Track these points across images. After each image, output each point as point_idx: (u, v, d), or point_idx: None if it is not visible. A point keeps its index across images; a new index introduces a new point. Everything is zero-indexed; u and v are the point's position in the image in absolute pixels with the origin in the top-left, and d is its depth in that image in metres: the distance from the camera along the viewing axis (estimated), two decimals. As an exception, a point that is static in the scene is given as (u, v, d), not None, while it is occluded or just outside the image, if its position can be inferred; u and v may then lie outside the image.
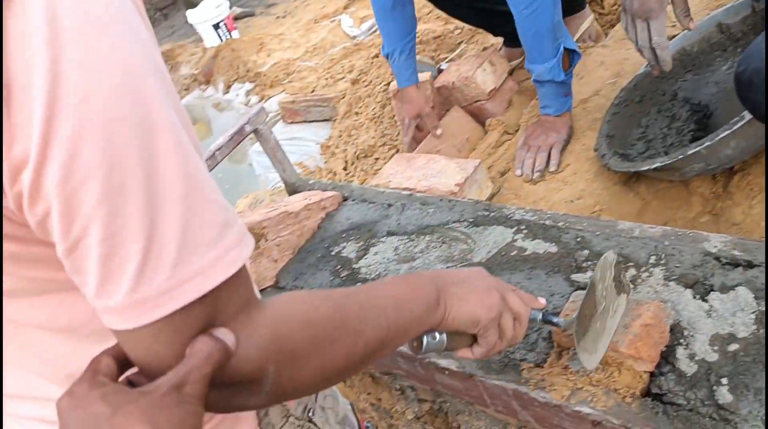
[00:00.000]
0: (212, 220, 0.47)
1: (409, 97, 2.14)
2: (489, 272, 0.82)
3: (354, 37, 3.80)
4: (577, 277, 1.16)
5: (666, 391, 0.93)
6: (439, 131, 2.13)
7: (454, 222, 1.41)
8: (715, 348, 0.95)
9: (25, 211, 0.44)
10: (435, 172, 1.73)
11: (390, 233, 1.47)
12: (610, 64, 2.09)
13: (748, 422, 0.85)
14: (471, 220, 1.40)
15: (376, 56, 2.84)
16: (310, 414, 0.80)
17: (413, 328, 0.68)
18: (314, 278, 1.45)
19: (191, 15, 5.41)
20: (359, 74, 2.87)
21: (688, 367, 0.95)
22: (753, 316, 0.96)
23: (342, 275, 1.41)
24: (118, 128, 0.43)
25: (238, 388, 0.52)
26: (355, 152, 2.55)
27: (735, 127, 1.30)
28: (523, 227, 1.31)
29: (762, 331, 0.94)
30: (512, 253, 1.26)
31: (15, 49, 0.40)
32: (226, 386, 0.50)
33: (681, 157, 1.38)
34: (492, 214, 1.39)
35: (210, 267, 0.47)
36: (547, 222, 1.30)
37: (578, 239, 1.23)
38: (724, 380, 0.90)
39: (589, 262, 1.17)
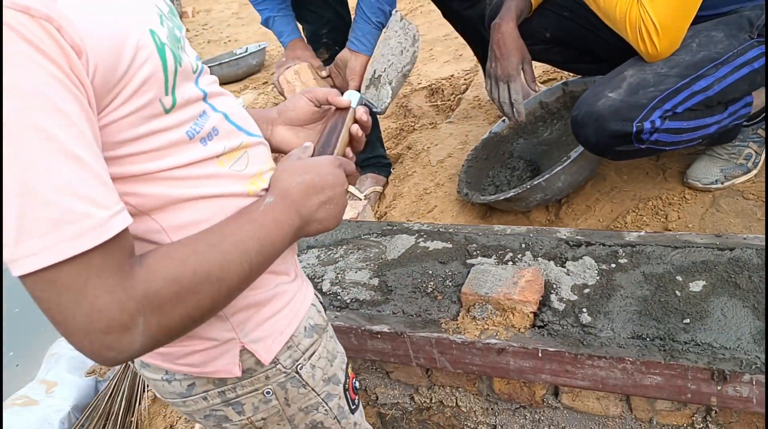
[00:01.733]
0: (44, 217, 0.57)
1: (296, 47, 2.17)
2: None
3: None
4: (470, 261, 1.53)
5: (547, 322, 1.31)
6: (324, 73, 2.15)
7: (365, 235, 1.74)
8: (575, 293, 1.36)
9: None
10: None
11: (309, 247, 1.75)
12: (457, 135, 2.62)
13: (603, 332, 1.25)
14: (378, 232, 1.73)
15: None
16: (299, 368, 0.90)
17: (276, 254, 0.77)
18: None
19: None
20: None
21: (559, 305, 1.34)
22: (596, 272, 1.39)
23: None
24: None
25: (116, 337, 0.60)
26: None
27: (565, 164, 1.80)
28: (422, 234, 1.68)
29: (602, 280, 1.36)
30: (418, 251, 1.61)
31: None
32: (103, 333, 0.60)
33: (528, 187, 1.85)
34: (394, 227, 1.74)
35: (41, 251, 0.57)
36: (441, 229, 1.68)
37: (467, 238, 1.62)
38: (584, 310, 1.31)
39: (477, 252, 1.55)
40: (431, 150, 2.57)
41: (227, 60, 4.87)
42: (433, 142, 2.61)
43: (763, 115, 1.87)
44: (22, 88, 0.55)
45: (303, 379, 0.91)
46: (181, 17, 7.26)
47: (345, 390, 0.98)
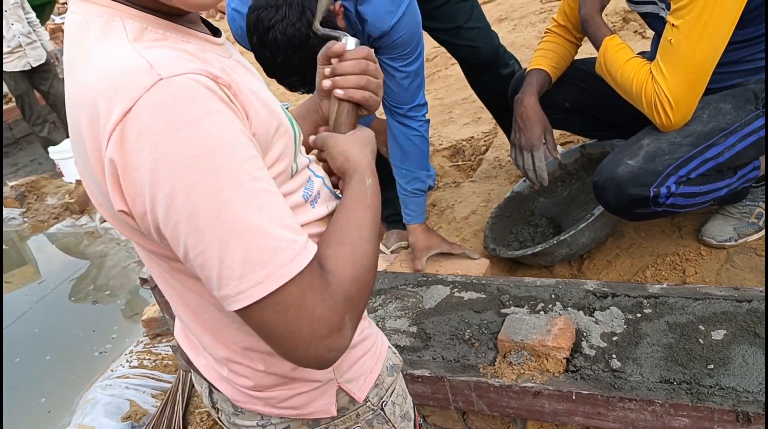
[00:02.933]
0: (266, 246, 0.66)
1: None
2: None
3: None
4: (504, 310, 1.65)
5: (579, 367, 1.42)
6: None
7: (401, 285, 1.86)
8: (604, 340, 1.47)
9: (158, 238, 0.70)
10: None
11: (349, 296, 1.87)
12: (480, 193, 2.77)
13: (632, 376, 1.36)
14: (414, 283, 1.86)
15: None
16: (383, 405, 0.97)
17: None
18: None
19: (54, 151, 5.56)
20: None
21: (590, 351, 1.45)
22: (623, 321, 1.51)
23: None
24: (194, 192, 0.64)
25: (334, 338, 0.71)
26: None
27: (589, 221, 1.94)
28: (456, 285, 1.80)
29: (629, 328, 1.48)
30: (454, 301, 1.73)
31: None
32: (324, 338, 0.70)
33: (554, 242, 1.98)
34: (429, 278, 1.87)
35: (267, 279, 0.67)
36: (474, 281, 1.80)
37: (499, 289, 1.74)
38: (614, 356, 1.42)
39: (510, 302, 1.67)
40: (455, 207, 2.71)
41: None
42: (457, 199, 2.76)
43: (771, 177, 2.02)
44: (223, 137, 0.65)
45: (386, 416, 0.98)
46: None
47: (414, 427, 1.06)
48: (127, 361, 2.75)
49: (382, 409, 0.97)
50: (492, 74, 2.49)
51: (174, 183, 0.63)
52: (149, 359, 2.70)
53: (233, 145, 0.66)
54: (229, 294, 0.67)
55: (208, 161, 0.64)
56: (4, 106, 7.86)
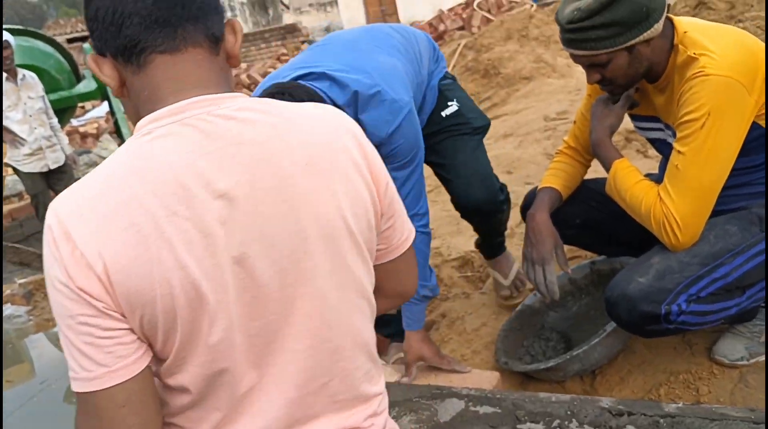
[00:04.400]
0: None
1: None
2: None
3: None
4: (519, 426, 1.64)
5: (599, 488, 1.40)
6: None
7: (415, 398, 1.86)
8: (623, 460, 1.46)
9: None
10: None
11: (363, 407, 1.86)
12: (489, 305, 2.80)
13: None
14: (428, 395, 1.86)
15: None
16: None
17: None
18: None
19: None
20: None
21: (609, 472, 1.44)
22: (640, 441, 1.51)
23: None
24: None
25: None
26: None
27: (602, 336, 1.96)
28: (471, 398, 1.80)
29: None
30: (469, 415, 1.73)
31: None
32: None
33: (567, 357, 2.00)
34: (443, 391, 1.87)
35: None
36: (488, 395, 1.80)
37: (514, 404, 1.74)
38: (633, 477, 1.40)
39: (526, 418, 1.67)
40: (466, 318, 2.73)
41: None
42: (467, 310, 2.79)
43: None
44: None
45: None
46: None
47: None
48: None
49: None
50: (483, 222, 2.53)
51: None
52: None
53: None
54: None
55: None
56: (18, 204, 8.05)
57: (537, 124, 5.28)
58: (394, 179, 2.11)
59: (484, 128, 2.45)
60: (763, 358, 1.99)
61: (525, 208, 2.25)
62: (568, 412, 1.66)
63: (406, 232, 1.09)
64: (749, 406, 1.82)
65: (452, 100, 2.39)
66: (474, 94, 7.26)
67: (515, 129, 5.43)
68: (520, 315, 2.47)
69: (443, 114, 2.36)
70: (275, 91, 1.76)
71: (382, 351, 2.49)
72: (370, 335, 1.00)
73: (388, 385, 1.00)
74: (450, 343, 2.61)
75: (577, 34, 1.76)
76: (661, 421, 1.54)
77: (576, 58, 1.85)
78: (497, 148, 4.98)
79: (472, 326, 2.67)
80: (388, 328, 2.45)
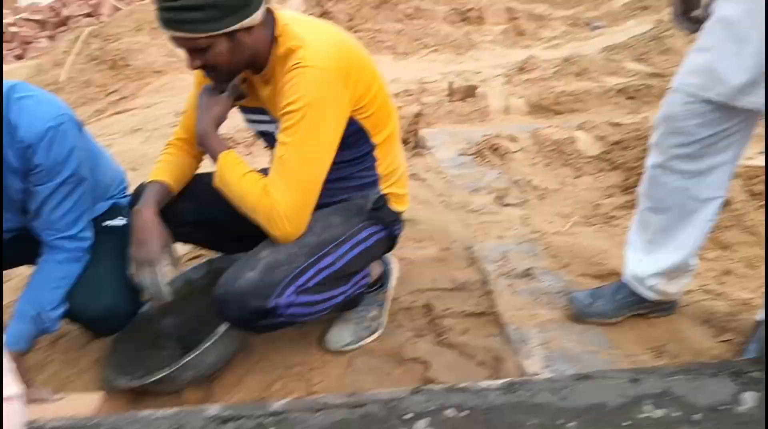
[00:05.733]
0: None
1: None
2: None
3: None
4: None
5: None
6: None
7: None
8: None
9: None
10: None
11: None
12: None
13: None
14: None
15: None
16: None
17: None
18: None
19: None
20: None
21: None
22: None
23: None
24: None
25: None
26: None
27: (214, 339, 1.84)
28: (58, 431, 1.51)
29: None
30: None
31: None
32: None
33: (178, 366, 1.83)
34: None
35: None
36: (81, 423, 1.54)
37: (113, 428, 1.51)
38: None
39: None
40: (72, 333, 2.37)
41: None
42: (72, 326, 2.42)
43: (379, 284, 2.23)
44: None
45: None
46: None
47: None
48: None
49: None
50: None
51: None
52: None
53: None
54: None
55: None
56: None
57: (167, 119, 5.02)
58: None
59: None
60: (367, 340, 2.11)
61: (132, 205, 2.02)
62: (176, 427, 1.50)
63: None
64: (355, 389, 1.89)
65: None
66: (101, 87, 6.65)
67: (144, 124, 5.08)
68: (132, 323, 2.22)
69: None
70: None
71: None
72: None
73: None
74: (51, 365, 2.23)
75: (173, 13, 1.61)
76: (268, 420, 1.49)
77: (176, 41, 1.70)
78: (124, 144, 4.59)
79: (80, 342, 2.32)
80: None
